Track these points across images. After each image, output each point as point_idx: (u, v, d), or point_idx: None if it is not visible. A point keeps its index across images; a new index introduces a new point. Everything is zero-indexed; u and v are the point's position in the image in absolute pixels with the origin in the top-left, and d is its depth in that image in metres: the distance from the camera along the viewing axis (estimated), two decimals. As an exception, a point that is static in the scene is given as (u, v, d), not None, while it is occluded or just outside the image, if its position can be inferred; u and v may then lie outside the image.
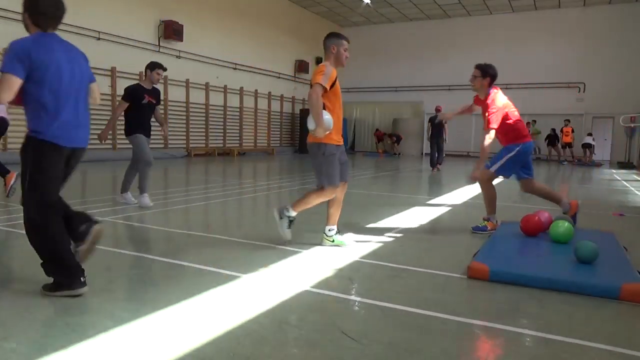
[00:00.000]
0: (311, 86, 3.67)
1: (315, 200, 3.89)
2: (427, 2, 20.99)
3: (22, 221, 4.58)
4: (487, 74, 4.72)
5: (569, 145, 18.87)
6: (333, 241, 3.98)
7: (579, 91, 21.09)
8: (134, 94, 5.64)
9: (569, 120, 19.22)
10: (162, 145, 15.47)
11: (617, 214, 6.21)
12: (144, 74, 5.83)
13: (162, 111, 15.45)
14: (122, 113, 5.68)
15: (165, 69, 5.91)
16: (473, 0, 20.51)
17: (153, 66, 5.71)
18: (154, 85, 5.78)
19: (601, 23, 20.42)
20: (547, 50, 21.23)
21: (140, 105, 5.64)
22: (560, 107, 21.16)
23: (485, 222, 4.78)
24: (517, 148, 4.66)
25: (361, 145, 25.73)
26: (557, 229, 3.95)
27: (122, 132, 5.84)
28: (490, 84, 4.76)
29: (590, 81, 20.77)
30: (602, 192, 9.31)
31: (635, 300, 2.78)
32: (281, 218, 3.95)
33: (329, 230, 3.99)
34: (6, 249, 3.79)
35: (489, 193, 4.82)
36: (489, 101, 4.65)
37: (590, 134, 18.98)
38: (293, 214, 3.95)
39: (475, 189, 8.65)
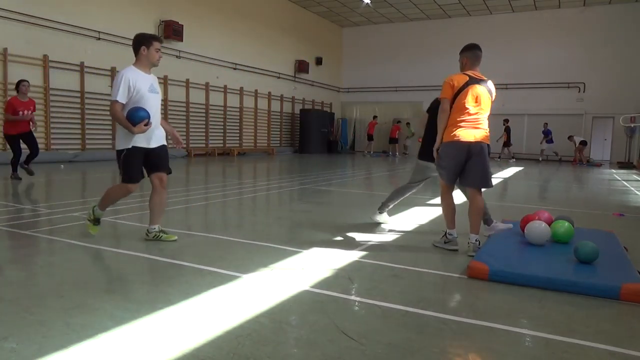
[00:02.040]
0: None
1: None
2: (427, 2, 20.99)
3: (23, 221, 4.57)
4: None
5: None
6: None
7: (579, 91, 21.09)
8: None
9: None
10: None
11: (617, 214, 6.20)
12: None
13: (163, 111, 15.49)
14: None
15: None
16: (473, 0, 20.51)
17: None
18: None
19: (601, 23, 20.41)
20: (547, 50, 21.23)
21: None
22: (560, 107, 21.16)
23: None
24: None
25: (361, 145, 25.71)
26: (557, 228, 3.96)
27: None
28: None
29: (590, 81, 20.77)
30: (602, 192, 9.31)
31: (635, 300, 2.77)
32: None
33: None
34: (6, 250, 3.79)
35: None
36: None
37: (571, 137, 19.04)
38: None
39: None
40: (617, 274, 3.13)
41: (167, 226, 4.73)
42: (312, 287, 2.92)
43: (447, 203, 4.09)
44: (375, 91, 25.17)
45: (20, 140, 8.08)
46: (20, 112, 7.85)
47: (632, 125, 18.99)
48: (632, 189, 9.92)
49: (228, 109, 18.18)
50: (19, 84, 8.18)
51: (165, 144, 4.11)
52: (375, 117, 23.66)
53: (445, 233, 4.06)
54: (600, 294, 2.86)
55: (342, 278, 3.13)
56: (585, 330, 2.39)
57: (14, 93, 11.85)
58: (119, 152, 3.86)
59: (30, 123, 8.10)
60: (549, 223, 4.18)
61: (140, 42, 3.91)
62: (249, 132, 19.45)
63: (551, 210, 5.23)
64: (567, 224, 3.98)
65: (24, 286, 2.81)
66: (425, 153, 4.56)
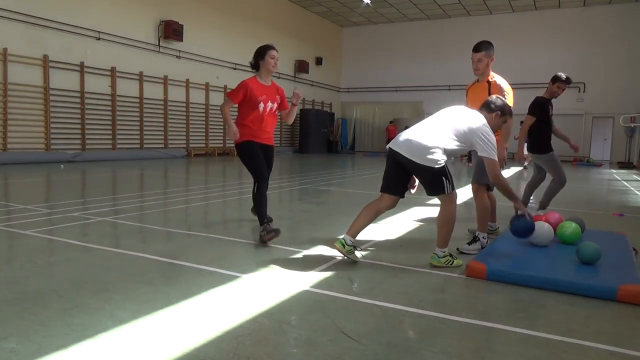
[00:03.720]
0: None
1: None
2: (427, 2, 20.99)
3: (23, 221, 4.57)
4: None
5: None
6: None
7: (579, 91, 21.10)
8: (542, 109, 5.58)
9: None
10: (162, 145, 15.48)
11: (617, 214, 6.20)
12: (550, 86, 5.66)
13: (162, 111, 15.47)
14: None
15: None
16: (473, 0, 20.51)
17: (561, 80, 5.56)
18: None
19: (601, 23, 20.42)
20: (547, 50, 21.23)
21: (549, 118, 5.62)
22: (560, 107, 21.08)
23: None
24: None
25: (361, 145, 25.73)
26: (563, 230, 3.95)
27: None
28: None
29: (590, 81, 20.77)
30: (602, 192, 9.31)
31: (632, 301, 2.75)
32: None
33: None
34: (6, 250, 3.79)
35: None
36: None
37: None
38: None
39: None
40: (617, 274, 3.11)
41: (168, 226, 4.73)
42: (312, 287, 2.92)
43: (488, 202, 4.23)
44: (375, 91, 25.18)
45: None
46: (261, 103, 4.41)
47: (632, 125, 19.00)
48: (632, 189, 9.92)
49: (228, 109, 18.18)
50: (264, 52, 4.49)
51: None
52: (391, 121, 23.17)
53: (478, 236, 4.01)
54: (598, 295, 2.84)
55: (342, 278, 3.14)
56: (585, 330, 2.39)
57: (14, 93, 11.95)
58: (437, 167, 3.36)
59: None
60: (558, 224, 4.15)
61: None
62: (249, 132, 19.44)
63: (562, 211, 5.23)
64: (574, 224, 3.97)
65: (24, 286, 2.81)
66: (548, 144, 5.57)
